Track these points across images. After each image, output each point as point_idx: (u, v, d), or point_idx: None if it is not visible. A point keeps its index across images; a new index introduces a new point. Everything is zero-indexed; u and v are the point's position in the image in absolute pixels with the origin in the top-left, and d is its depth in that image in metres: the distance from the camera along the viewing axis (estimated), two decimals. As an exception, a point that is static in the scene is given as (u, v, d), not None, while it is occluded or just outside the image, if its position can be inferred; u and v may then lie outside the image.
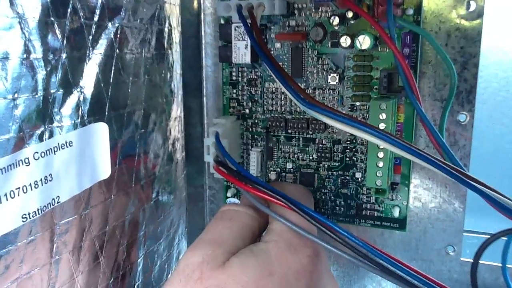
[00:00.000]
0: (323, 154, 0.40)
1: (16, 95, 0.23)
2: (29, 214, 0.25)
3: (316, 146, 0.40)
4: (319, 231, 0.28)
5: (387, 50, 0.36)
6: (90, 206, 0.30)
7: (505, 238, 0.33)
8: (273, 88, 0.40)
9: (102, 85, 0.30)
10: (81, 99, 0.28)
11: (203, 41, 0.43)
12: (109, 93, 0.31)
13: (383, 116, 0.34)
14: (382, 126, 0.34)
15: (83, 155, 0.29)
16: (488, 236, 0.31)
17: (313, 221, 0.28)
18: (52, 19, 0.25)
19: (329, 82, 0.38)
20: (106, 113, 0.31)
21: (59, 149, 0.27)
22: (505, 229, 0.30)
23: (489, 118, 0.54)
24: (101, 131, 0.30)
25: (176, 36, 0.40)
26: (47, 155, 0.26)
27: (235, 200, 0.43)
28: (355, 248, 0.27)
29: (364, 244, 0.27)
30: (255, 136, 0.41)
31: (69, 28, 0.26)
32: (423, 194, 0.38)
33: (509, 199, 0.25)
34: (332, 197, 0.40)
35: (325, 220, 0.28)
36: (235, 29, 0.37)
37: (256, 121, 0.41)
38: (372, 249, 0.27)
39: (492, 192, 0.26)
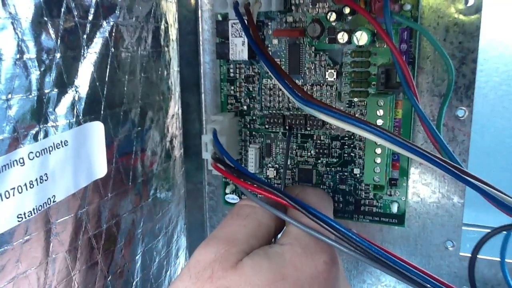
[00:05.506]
0: (321, 150, 0.39)
1: (9, 96, 0.23)
2: (24, 214, 0.25)
3: (314, 142, 0.40)
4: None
5: (385, 46, 0.36)
6: (87, 205, 0.30)
7: (504, 232, 0.32)
8: (271, 85, 0.40)
9: (97, 83, 0.30)
10: (76, 98, 0.28)
11: (201, 38, 0.42)
12: (105, 92, 0.31)
13: (380, 112, 0.34)
14: (379, 122, 0.34)
15: (79, 154, 0.29)
16: (488, 230, 0.31)
17: (321, 222, 0.27)
18: (46, 19, 0.25)
19: (327, 78, 0.38)
20: (102, 111, 0.31)
21: (54, 149, 0.27)
22: (505, 225, 0.30)
23: (490, 112, 0.53)
24: (96, 130, 0.30)
25: (173, 33, 0.40)
26: (42, 154, 0.26)
27: (234, 196, 0.43)
28: (368, 251, 0.26)
29: (373, 246, 0.26)
30: (253, 132, 0.41)
31: (63, 28, 0.26)
32: (421, 189, 0.38)
33: (506, 195, 0.25)
34: (331, 193, 0.40)
35: (332, 222, 0.27)
36: (232, 26, 0.37)
37: (254, 117, 0.41)
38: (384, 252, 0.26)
39: (489, 188, 0.25)
